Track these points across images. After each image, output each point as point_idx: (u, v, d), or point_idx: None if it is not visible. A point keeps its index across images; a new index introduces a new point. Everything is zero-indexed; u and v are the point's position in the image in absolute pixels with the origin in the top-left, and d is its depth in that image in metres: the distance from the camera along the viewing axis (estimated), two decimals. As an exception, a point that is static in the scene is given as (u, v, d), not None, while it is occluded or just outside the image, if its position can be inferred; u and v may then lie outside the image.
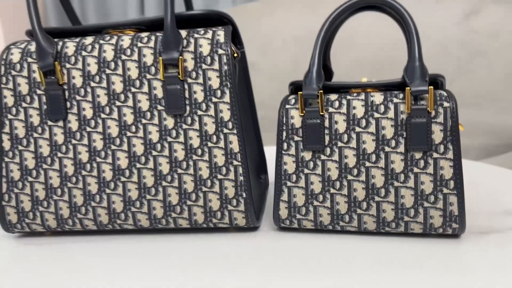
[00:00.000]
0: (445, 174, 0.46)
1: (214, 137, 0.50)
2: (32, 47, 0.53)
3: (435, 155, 0.46)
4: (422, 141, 0.46)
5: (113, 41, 0.52)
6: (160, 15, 0.52)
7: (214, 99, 0.50)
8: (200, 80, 0.50)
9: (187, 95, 0.50)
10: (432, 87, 0.45)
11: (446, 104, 0.46)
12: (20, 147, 0.53)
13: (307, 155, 0.49)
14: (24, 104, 0.52)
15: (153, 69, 0.50)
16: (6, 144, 0.53)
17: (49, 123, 0.52)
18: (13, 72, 0.52)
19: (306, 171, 0.49)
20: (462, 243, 0.48)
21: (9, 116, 0.53)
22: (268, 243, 0.51)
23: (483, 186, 0.65)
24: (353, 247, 0.48)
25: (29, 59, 0.52)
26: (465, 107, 1.15)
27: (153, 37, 0.51)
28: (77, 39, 0.53)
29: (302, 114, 0.48)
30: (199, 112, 0.50)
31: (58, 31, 0.55)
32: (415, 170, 0.47)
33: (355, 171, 0.48)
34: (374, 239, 0.50)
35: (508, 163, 1.16)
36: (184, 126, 0.50)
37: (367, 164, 0.47)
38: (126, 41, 0.51)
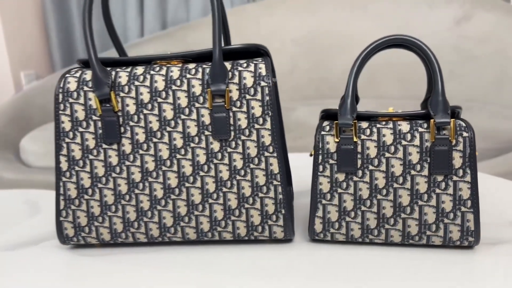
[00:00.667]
0: (463, 194, 0.53)
1: (256, 160, 0.56)
2: (87, 76, 0.58)
3: (455, 178, 0.53)
4: (444, 166, 0.52)
5: (163, 72, 0.57)
6: (206, 48, 0.58)
7: (256, 126, 0.55)
8: (244, 109, 0.55)
9: (232, 122, 0.55)
10: (453, 119, 0.52)
11: (465, 134, 0.52)
12: (76, 168, 0.58)
13: (341, 177, 0.55)
14: (80, 129, 0.57)
15: (201, 99, 0.56)
16: (64, 165, 0.58)
17: (104, 146, 0.57)
18: (71, 100, 0.57)
19: (339, 190, 0.55)
20: (475, 254, 0.55)
21: (67, 140, 0.57)
22: (305, 253, 0.57)
23: (488, 198, 0.72)
24: (380, 257, 0.55)
25: (85, 88, 0.57)
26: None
27: (200, 69, 0.56)
28: (129, 69, 0.58)
29: (337, 140, 0.54)
30: (243, 137, 0.56)
31: (110, 61, 0.60)
32: (437, 191, 0.53)
33: (384, 191, 0.54)
34: (399, 250, 0.56)
35: (499, 167, 1.24)
36: (229, 150, 0.56)
37: (395, 185, 0.54)
38: (175, 72, 0.57)
